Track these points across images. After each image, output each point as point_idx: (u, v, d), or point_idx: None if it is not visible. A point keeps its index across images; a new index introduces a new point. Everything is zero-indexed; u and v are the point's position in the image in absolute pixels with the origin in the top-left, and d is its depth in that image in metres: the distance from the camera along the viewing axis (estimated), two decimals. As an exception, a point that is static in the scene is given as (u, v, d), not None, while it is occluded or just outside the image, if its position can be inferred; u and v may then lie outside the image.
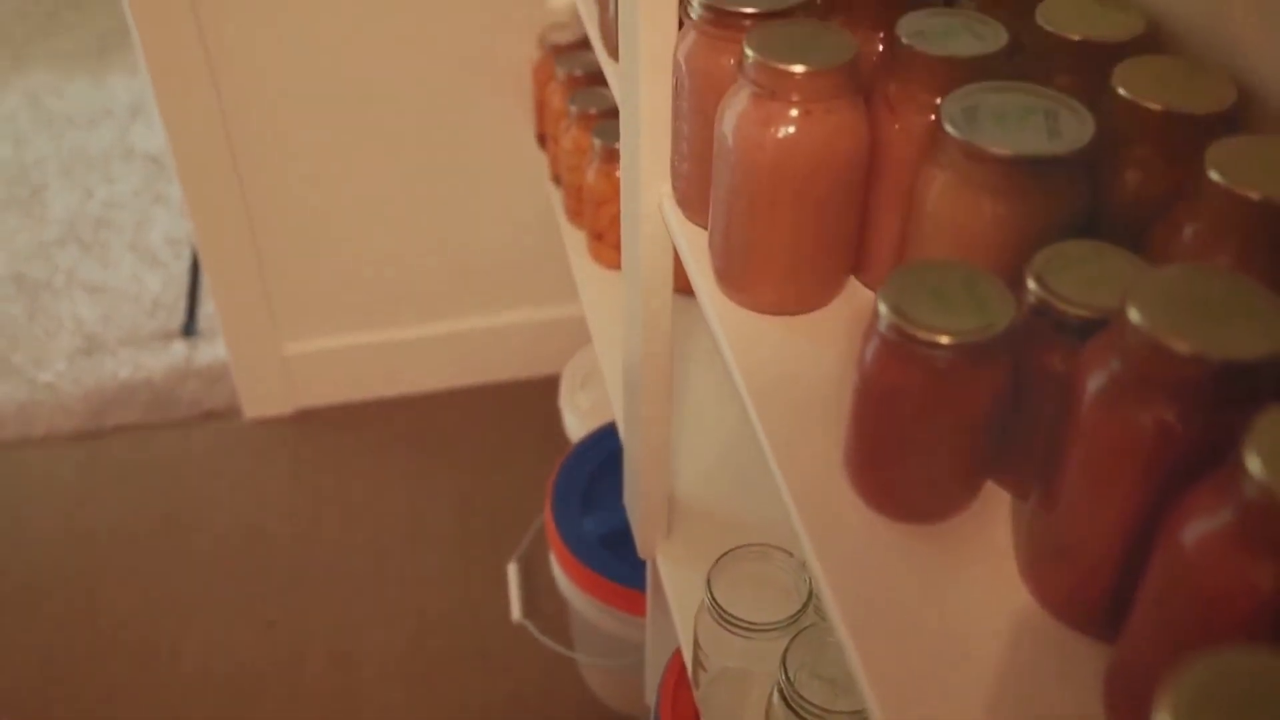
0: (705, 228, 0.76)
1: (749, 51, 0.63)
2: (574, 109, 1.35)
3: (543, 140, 1.59)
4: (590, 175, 1.33)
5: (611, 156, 1.28)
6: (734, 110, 0.65)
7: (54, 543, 1.66)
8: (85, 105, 2.65)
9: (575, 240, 1.43)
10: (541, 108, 1.55)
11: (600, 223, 1.34)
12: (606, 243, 1.34)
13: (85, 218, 2.30)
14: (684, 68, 0.72)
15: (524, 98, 1.64)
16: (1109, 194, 0.61)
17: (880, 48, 0.70)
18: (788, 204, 0.66)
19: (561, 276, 1.66)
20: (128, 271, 2.16)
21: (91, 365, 1.95)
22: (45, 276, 2.15)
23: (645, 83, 0.77)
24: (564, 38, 1.50)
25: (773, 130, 0.63)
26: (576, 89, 1.39)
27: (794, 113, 0.63)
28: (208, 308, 2.01)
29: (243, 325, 1.78)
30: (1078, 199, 0.59)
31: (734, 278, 0.71)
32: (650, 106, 0.77)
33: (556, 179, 1.51)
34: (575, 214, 1.43)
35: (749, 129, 0.64)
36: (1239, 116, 0.59)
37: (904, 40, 0.63)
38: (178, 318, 2.04)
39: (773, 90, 0.63)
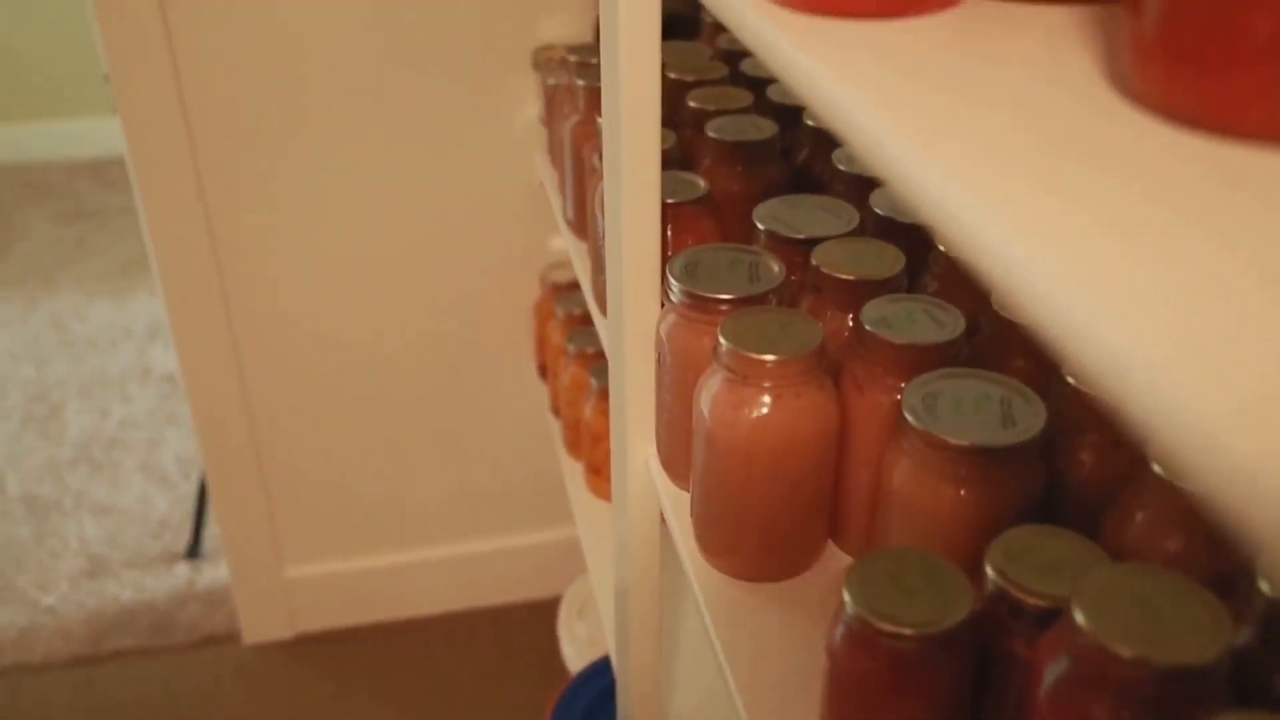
0: (688, 490, 0.79)
1: (723, 340, 0.67)
2: (572, 348, 1.41)
3: (543, 372, 1.65)
4: (587, 411, 1.37)
5: (608, 396, 1.33)
6: (710, 391, 0.69)
7: (43, 776, 1.63)
8: (107, 326, 2.74)
9: (573, 471, 1.46)
10: (542, 342, 1.61)
11: (597, 457, 1.37)
12: (603, 477, 1.37)
13: (100, 437, 2.36)
14: (665, 344, 0.77)
15: (526, 330, 1.70)
16: (1065, 476, 0.64)
17: (850, 326, 0.74)
18: (762, 480, 0.69)
19: (562, 500, 1.69)
20: (137, 492, 2.19)
21: (94, 588, 1.96)
22: (55, 497, 2.19)
23: (630, 353, 0.81)
24: (563, 277, 1.57)
25: (746, 412, 0.67)
26: (575, 328, 1.45)
27: (765, 397, 0.67)
28: (213, 529, 2.03)
29: (246, 547, 1.80)
30: (1034, 483, 0.62)
31: (714, 545, 0.74)
32: (635, 375, 0.82)
33: (556, 411, 1.55)
34: (573, 446, 1.47)
35: (723, 410, 0.68)
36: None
37: (868, 327, 0.68)
38: (183, 539, 2.06)
39: (745, 376, 0.67)
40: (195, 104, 1.45)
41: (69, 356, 2.64)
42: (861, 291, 0.72)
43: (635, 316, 0.80)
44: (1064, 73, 0.41)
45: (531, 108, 1.54)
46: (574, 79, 1.13)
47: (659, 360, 0.79)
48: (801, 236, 0.80)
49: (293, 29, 1.44)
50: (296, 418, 1.72)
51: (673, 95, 1.10)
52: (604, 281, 1.04)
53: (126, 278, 2.95)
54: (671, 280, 0.75)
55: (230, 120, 1.48)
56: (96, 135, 3.47)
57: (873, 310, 0.69)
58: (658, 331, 0.78)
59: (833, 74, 0.41)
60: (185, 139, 1.46)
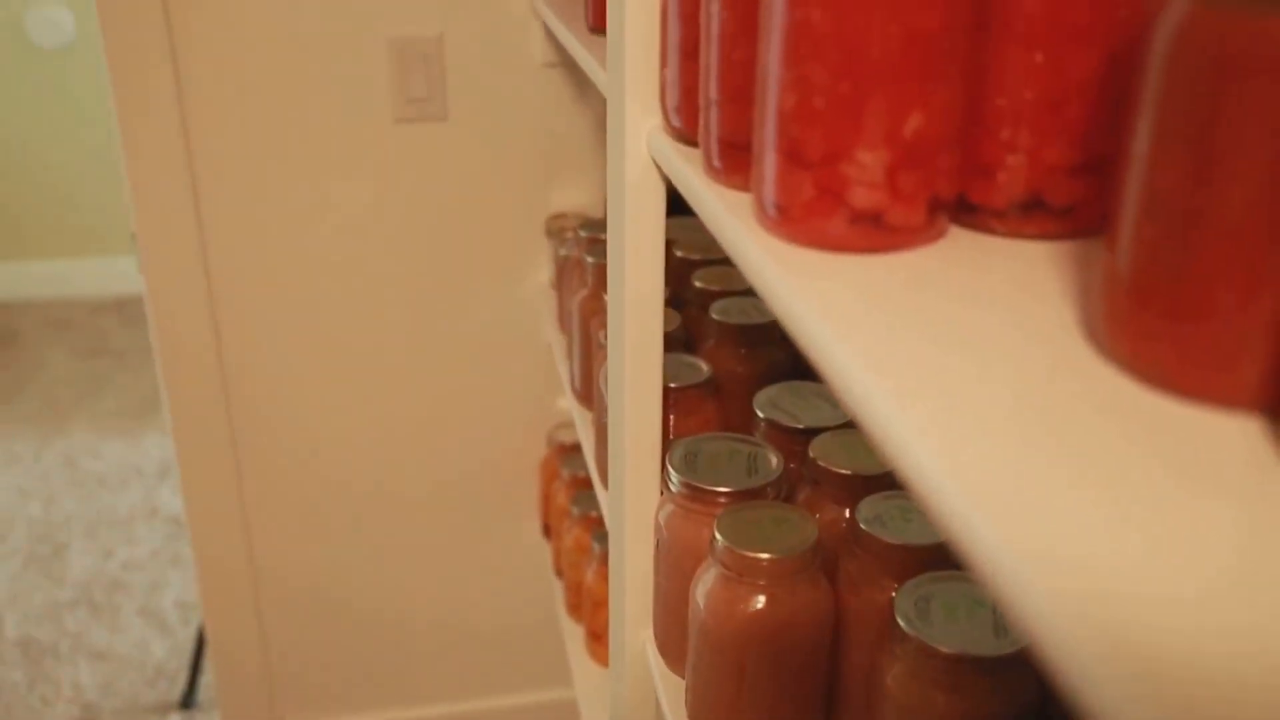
0: (684, 677, 0.79)
1: (719, 536, 0.68)
2: (576, 511, 1.42)
3: (547, 531, 1.65)
4: (589, 576, 1.37)
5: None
6: (705, 584, 0.70)
7: None
8: (118, 465, 2.76)
9: (574, 634, 1.45)
10: (547, 501, 1.62)
11: (598, 623, 1.36)
12: (604, 643, 1.36)
13: (101, 579, 2.35)
14: (664, 532, 0.77)
15: (531, 488, 1.71)
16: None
17: (846, 520, 0.75)
18: (756, 673, 0.69)
19: (562, 661, 1.67)
20: (135, 637, 2.17)
21: (84, 737, 1.93)
22: (52, 640, 2.17)
23: (630, 538, 0.82)
24: (570, 437, 1.59)
25: (740, 607, 0.68)
26: (580, 490, 1.46)
27: (760, 595, 0.67)
28: (209, 677, 2.00)
29: (241, 699, 1.77)
30: (1027, 690, 0.62)
31: (708, 738, 0.73)
32: (633, 559, 0.83)
33: (559, 571, 1.55)
34: (575, 609, 1.46)
35: (718, 604, 0.68)
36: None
37: (862, 525, 0.69)
38: (178, 688, 2.03)
39: (740, 572, 0.68)
40: (216, 253, 1.50)
41: (78, 495, 2.65)
42: (858, 486, 0.73)
43: (635, 502, 0.81)
44: (1038, 318, 0.43)
45: (543, 272, 1.58)
46: (583, 255, 1.17)
47: (657, 546, 0.80)
48: (801, 426, 0.82)
49: (314, 190, 1.49)
50: (299, 566, 1.71)
51: (679, 272, 1.13)
52: (607, 456, 1.05)
53: (142, 416, 2.98)
54: (671, 470, 0.76)
55: (249, 273, 1.52)
56: (121, 273, 3.55)
57: (868, 508, 0.70)
58: (656, 519, 0.79)
59: (815, 314, 0.43)
60: (204, 285, 1.50)
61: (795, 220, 0.49)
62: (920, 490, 0.34)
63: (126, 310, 3.57)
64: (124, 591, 2.31)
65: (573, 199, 1.56)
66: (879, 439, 0.37)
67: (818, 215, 0.48)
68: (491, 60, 1.48)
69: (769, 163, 0.49)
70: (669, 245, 1.08)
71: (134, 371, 3.22)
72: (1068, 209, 0.50)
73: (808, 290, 0.45)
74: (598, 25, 1.02)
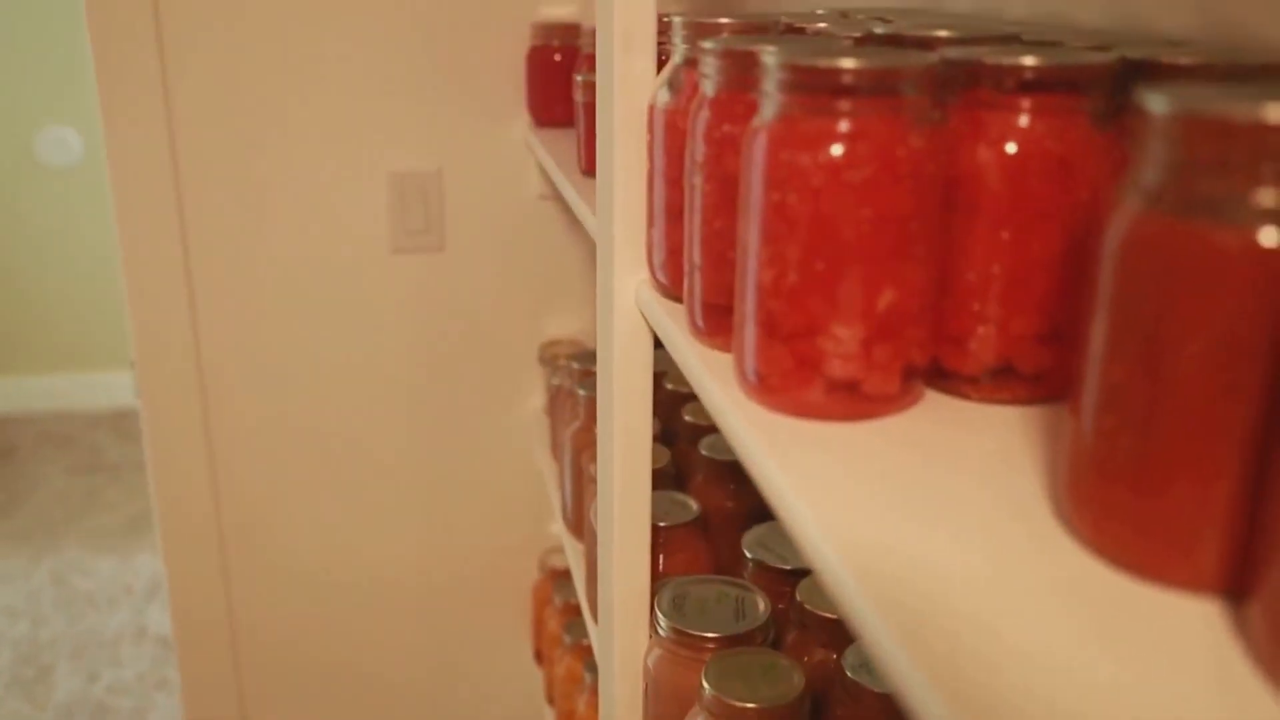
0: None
1: (706, 685, 0.69)
2: (568, 639, 1.41)
3: (539, 657, 1.63)
4: (581, 706, 1.35)
5: (601, 692, 1.31)
6: (693, 735, 0.70)
7: None
8: (108, 583, 2.73)
9: (566, 766, 1.43)
10: (539, 627, 1.61)
11: (589, 756, 1.34)
12: (595, 777, 1.34)
13: (86, 703, 2.31)
14: (652, 675, 0.78)
15: (524, 613, 1.70)
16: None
17: (834, 664, 0.75)
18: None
19: (553, 794, 1.63)
20: (118, 763, 2.13)
21: None
22: (34, 767, 2.12)
23: (619, 679, 0.82)
24: (563, 562, 1.58)
25: (728, 758, 0.67)
26: (572, 617, 1.45)
27: (746, 749, 0.67)
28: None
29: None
30: None
31: None
32: (624, 701, 0.82)
33: (550, 699, 1.53)
34: (567, 739, 1.44)
35: (706, 755, 0.68)
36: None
37: (849, 673, 0.69)
38: (160, 818, 1.98)
39: (727, 722, 0.68)
40: (212, 374, 1.51)
41: (66, 615, 2.62)
42: (845, 631, 0.74)
43: (625, 642, 0.81)
44: (1006, 490, 0.44)
45: (537, 397, 1.60)
46: (575, 387, 1.19)
47: (646, 690, 0.80)
48: (788, 568, 0.82)
49: (312, 317, 1.52)
50: (289, 694, 1.69)
51: (669, 405, 1.15)
52: (596, 591, 1.05)
53: (134, 534, 2.96)
54: (659, 614, 0.77)
55: (244, 394, 1.53)
56: (120, 387, 3.56)
57: (854, 655, 0.71)
58: (645, 662, 0.79)
59: (791, 488, 0.44)
60: (200, 406, 1.51)
61: (774, 390, 0.50)
62: (880, 658, 0.35)
63: (123, 424, 3.58)
64: (109, 717, 2.27)
65: (566, 326, 1.58)
66: (845, 611, 0.38)
67: (796, 385, 0.50)
68: (488, 193, 1.52)
69: (749, 334, 0.51)
70: (659, 378, 1.09)
71: (128, 487, 3.21)
72: (1038, 376, 0.52)
73: (784, 463, 0.46)
74: (590, 170, 1.05)
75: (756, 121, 0.49)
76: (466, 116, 1.48)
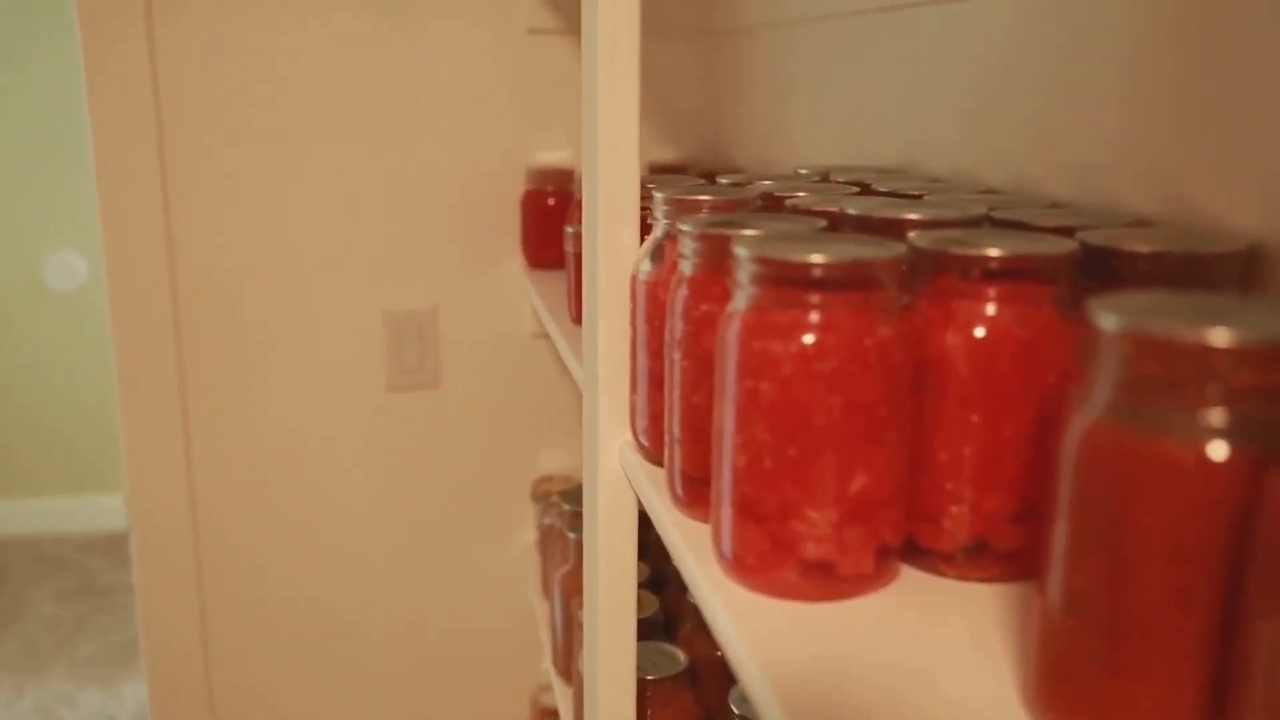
0: None
1: None
2: (558, 784, 1.38)
3: (530, 801, 1.59)
4: None
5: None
6: None
7: None
8: (94, 715, 2.68)
9: None
10: (530, 770, 1.58)
11: None
12: None
13: (65, 843, 2.24)
14: (637, 841, 0.76)
15: (515, 754, 1.67)
16: None
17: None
18: None
19: None
20: None
21: None
22: None
23: (603, 843, 0.80)
24: (553, 701, 1.56)
25: None
26: (562, 761, 1.42)
27: None
28: None
29: None
30: None
31: None
32: None
33: (540, 846, 1.49)
34: None
35: None
36: None
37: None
38: None
39: None
40: (205, 507, 1.51)
41: (49, 749, 2.56)
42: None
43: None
44: (975, 678, 0.44)
45: (529, 533, 1.60)
46: (565, 529, 1.19)
47: None
48: None
49: (306, 454, 1.53)
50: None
51: (659, 550, 1.14)
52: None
53: (122, 662, 2.91)
54: (643, 777, 0.75)
55: (237, 527, 1.53)
56: (113, 511, 3.55)
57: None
58: (630, 825, 0.78)
59: (761, 674, 0.45)
60: (191, 539, 1.51)
61: (750, 569, 0.51)
62: None
63: (117, 548, 3.55)
64: None
65: (559, 461, 1.59)
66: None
67: (771, 566, 0.50)
68: (483, 331, 1.54)
69: (725, 514, 0.52)
70: (648, 520, 1.10)
71: (118, 613, 3.17)
72: (1012, 554, 0.52)
73: (754, 647, 0.47)
74: (578, 318, 1.07)
75: (731, 308, 0.51)
76: (462, 256, 1.51)
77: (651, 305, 0.65)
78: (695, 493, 0.59)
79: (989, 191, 0.78)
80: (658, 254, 0.66)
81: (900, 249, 0.50)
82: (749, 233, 0.55)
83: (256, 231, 1.46)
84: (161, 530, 1.51)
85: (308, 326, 1.50)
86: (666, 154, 1.54)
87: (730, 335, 0.50)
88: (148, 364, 1.46)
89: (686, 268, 0.58)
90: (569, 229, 1.12)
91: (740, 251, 0.49)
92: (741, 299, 0.50)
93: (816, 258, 0.47)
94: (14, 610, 3.22)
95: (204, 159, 1.43)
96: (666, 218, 0.65)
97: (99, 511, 3.62)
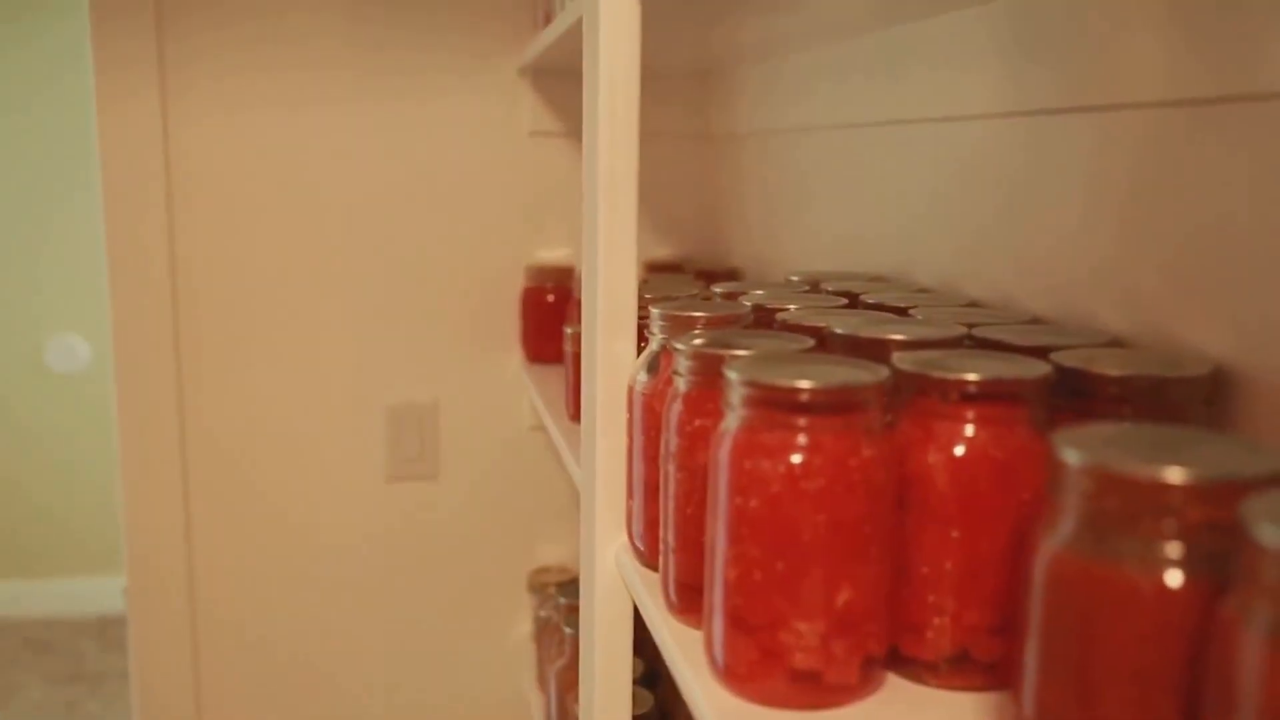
0: None
1: None
2: None
3: None
4: None
5: None
6: None
7: None
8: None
9: None
10: None
11: None
12: None
13: None
14: None
15: None
16: None
17: None
18: None
19: None
20: None
21: None
22: None
23: None
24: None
25: None
26: None
27: None
28: None
29: None
30: None
31: None
32: None
33: None
34: None
35: None
36: None
37: None
38: None
39: None
40: (204, 597, 1.52)
41: (33, 838, 2.52)
42: None
43: None
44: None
45: (525, 623, 1.61)
46: (561, 623, 1.20)
47: None
48: (767, 827, 0.82)
49: (304, 543, 1.54)
50: None
51: (655, 644, 1.16)
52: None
53: (110, 750, 2.88)
54: None
55: (235, 614, 1.54)
56: (105, 594, 3.53)
57: None
58: None
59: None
60: (188, 617, 1.51)
61: (741, 678, 0.53)
62: None
63: (109, 632, 3.53)
64: None
65: (556, 553, 1.60)
66: None
67: (761, 675, 0.52)
68: (482, 423, 1.56)
69: (716, 624, 0.54)
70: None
71: (109, 700, 3.14)
72: (993, 664, 0.54)
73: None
74: (576, 416, 1.10)
75: (723, 427, 0.53)
76: (464, 350, 1.55)
77: (648, 416, 0.68)
78: (689, 600, 0.62)
79: (973, 305, 0.81)
80: (653, 366, 0.69)
81: (884, 373, 0.53)
82: (741, 352, 0.58)
83: (263, 320, 1.49)
84: (159, 617, 1.51)
85: (310, 416, 1.52)
86: (664, 252, 1.58)
87: (722, 454, 0.52)
88: (151, 447, 1.48)
89: (681, 384, 0.61)
90: (568, 330, 1.16)
91: (731, 375, 0.52)
92: (732, 419, 0.53)
93: (804, 383, 0.50)
94: (3, 694, 3.19)
95: (213, 248, 1.46)
96: (662, 332, 0.68)
97: (91, 595, 3.60)
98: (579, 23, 0.96)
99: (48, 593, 3.62)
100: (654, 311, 0.69)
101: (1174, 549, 0.37)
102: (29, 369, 3.50)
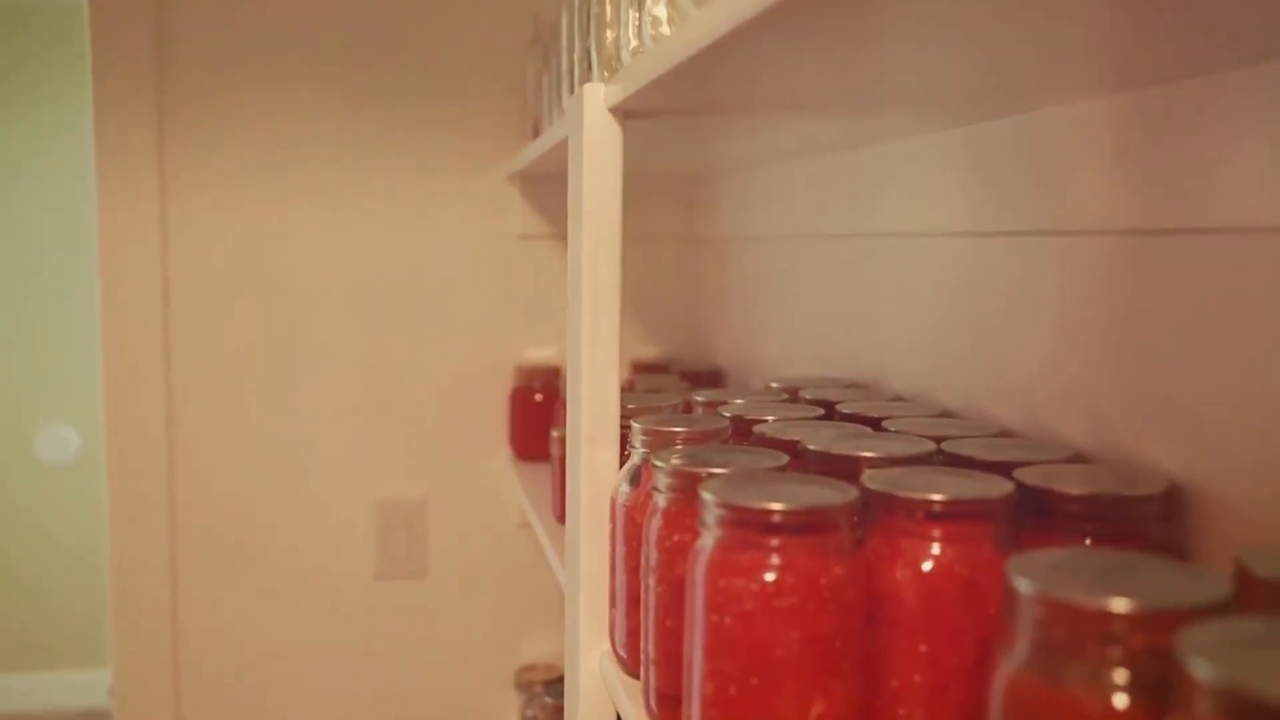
0: None
1: None
2: None
3: None
4: None
5: None
6: None
7: None
8: None
9: None
10: None
11: None
12: None
13: None
14: None
15: None
16: None
17: None
18: None
19: None
20: None
21: None
22: None
23: None
24: None
25: None
26: None
27: None
28: None
29: None
30: None
31: None
32: None
33: None
34: None
35: None
36: None
37: None
38: None
39: None
40: (188, 692, 1.51)
41: None
42: None
43: None
44: None
45: (513, 722, 1.60)
46: (548, 724, 1.20)
47: None
48: None
49: (292, 638, 1.54)
50: None
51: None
52: None
53: None
54: None
55: (221, 703, 1.53)
56: (87, 687, 3.49)
57: None
58: None
59: None
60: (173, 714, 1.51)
61: (718, 791, 0.54)
62: None
63: (88, 727, 3.47)
64: None
65: (542, 649, 1.60)
66: None
67: (738, 787, 0.54)
68: (470, 520, 1.58)
69: (694, 737, 0.55)
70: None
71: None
72: (963, 776, 0.56)
73: None
74: (561, 516, 1.12)
75: (698, 544, 0.56)
76: (453, 447, 1.57)
77: (629, 527, 0.70)
78: (669, 710, 0.63)
79: (944, 414, 0.84)
80: (635, 478, 0.71)
81: (853, 493, 0.55)
82: (717, 471, 0.60)
83: (254, 415, 1.52)
84: (144, 714, 1.51)
85: (300, 512, 1.53)
86: (651, 351, 1.61)
87: (698, 571, 0.55)
88: (142, 540, 1.49)
89: (660, 500, 0.63)
90: (554, 433, 1.18)
91: (706, 496, 0.55)
92: (708, 537, 0.55)
93: (776, 505, 0.53)
94: (-21, 793, 3.12)
95: (207, 344, 1.49)
96: (644, 446, 0.70)
97: (73, 688, 3.55)
98: (565, 140, 1.00)
99: (28, 685, 3.57)
100: (635, 426, 0.71)
101: (1120, 674, 0.39)
102: (18, 460, 3.50)
